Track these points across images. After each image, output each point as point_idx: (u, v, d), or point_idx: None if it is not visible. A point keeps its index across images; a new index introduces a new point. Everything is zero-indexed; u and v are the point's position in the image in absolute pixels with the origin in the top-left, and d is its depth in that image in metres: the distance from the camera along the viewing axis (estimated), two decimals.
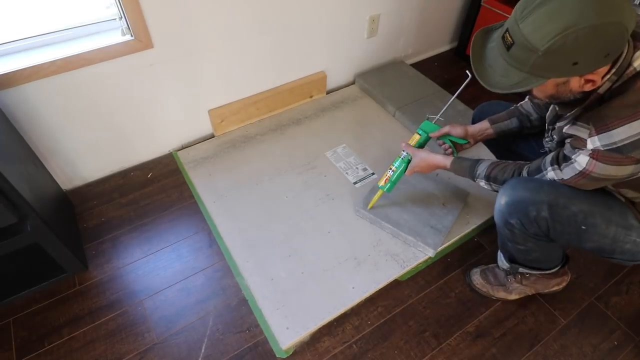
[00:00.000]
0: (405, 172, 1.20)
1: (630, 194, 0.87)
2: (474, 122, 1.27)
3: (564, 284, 1.22)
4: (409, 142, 1.20)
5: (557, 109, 0.91)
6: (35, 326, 1.16)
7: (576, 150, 0.82)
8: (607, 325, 1.18)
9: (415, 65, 2.09)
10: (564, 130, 0.86)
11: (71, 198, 1.47)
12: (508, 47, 0.74)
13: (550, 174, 0.90)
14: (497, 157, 1.35)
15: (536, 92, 0.82)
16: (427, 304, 1.22)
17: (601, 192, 0.89)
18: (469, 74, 0.87)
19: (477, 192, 1.40)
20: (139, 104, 1.44)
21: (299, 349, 1.12)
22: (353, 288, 1.19)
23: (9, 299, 1.18)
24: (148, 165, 1.61)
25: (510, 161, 1.01)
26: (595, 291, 1.26)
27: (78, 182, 1.53)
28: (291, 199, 1.43)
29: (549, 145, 1.00)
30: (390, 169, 1.22)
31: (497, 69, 0.78)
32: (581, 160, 0.81)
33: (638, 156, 0.74)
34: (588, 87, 0.75)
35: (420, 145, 1.20)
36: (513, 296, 1.21)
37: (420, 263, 1.26)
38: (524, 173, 0.96)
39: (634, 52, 0.74)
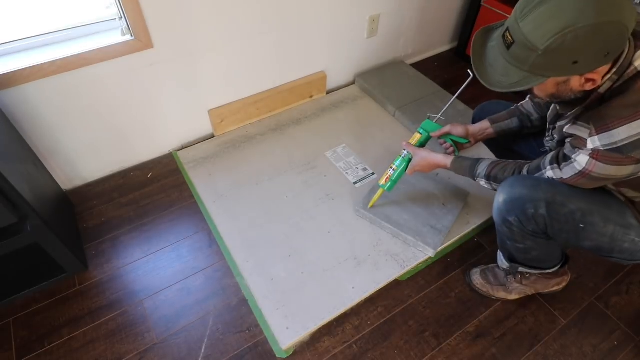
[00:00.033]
0: (406, 171, 1.20)
1: (630, 193, 0.87)
2: (474, 121, 1.27)
3: (564, 284, 1.22)
4: (410, 141, 1.20)
5: (558, 108, 0.92)
6: (35, 326, 1.16)
7: (576, 149, 0.82)
8: (607, 325, 1.18)
9: (415, 65, 2.09)
10: (564, 130, 0.86)
11: (71, 198, 1.47)
12: (508, 46, 0.74)
13: (549, 173, 0.90)
14: (497, 157, 1.35)
15: (537, 91, 0.82)
16: (427, 304, 1.22)
17: (600, 191, 0.89)
18: (470, 73, 0.87)
19: (477, 192, 1.40)
20: (139, 104, 1.44)
21: (299, 349, 1.12)
22: (353, 288, 1.19)
23: (9, 299, 1.18)
24: (148, 165, 1.61)
25: (511, 160, 1.01)
26: (595, 291, 1.26)
27: (78, 182, 1.53)
28: (291, 199, 1.43)
29: (549, 145, 1.00)
30: (391, 167, 1.22)
31: (497, 68, 0.78)
32: (581, 160, 0.81)
33: (638, 156, 0.74)
34: (588, 87, 0.75)
35: (421, 145, 1.20)
36: (513, 296, 1.21)
37: (420, 263, 1.26)
38: (524, 172, 0.96)
39: (635, 52, 0.74)
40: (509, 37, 0.73)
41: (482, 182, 1.04)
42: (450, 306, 1.22)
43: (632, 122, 0.72)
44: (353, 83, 1.97)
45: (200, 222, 1.41)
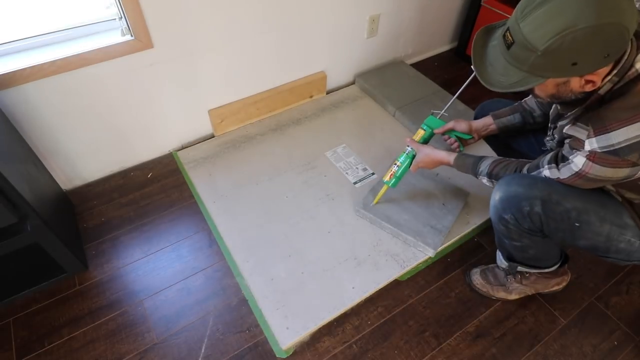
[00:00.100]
0: (410, 168, 1.21)
1: (628, 194, 0.87)
2: (476, 119, 1.27)
3: (564, 283, 1.22)
4: (414, 138, 1.20)
5: (558, 108, 0.92)
6: (35, 326, 1.16)
7: (574, 151, 0.83)
8: (607, 325, 1.18)
9: (415, 65, 2.09)
10: (564, 131, 0.86)
11: (71, 198, 1.47)
12: (508, 46, 0.74)
13: (546, 172, 0.90)
14: (497, 155, 1.35)
15: (537, 91, 0.82)
16: (427, 304, 1.22)
17: (597, 191, 0.89)
18: (474, 69, 0.88)
19: (477, 192, 1.40)
20: (139, 104, 1.44)
21: (299, 349, 1.12)
22: (353, 288, 1.19)
23: (9, 299, 1.18)
24: (148, 165, 1.61)
25: (513, 159, 1.01)
26: (595, 291, 1.26)
27: (78, 182, 1.53)
28: (291, 199, 1.43)
29: (550, 144, 1.00)
30: (395, 164, 1.23)
31: (497, 68, 0.78)
32: (578, 161, 0.81)
33: (634, 159, 0.74)
34: (588, 88, 0.75)
35: (425, 141, 1.20)
36: (513, 296, 1.21)
37: (420, 263, 1.26)
38: (524, 171, 0.96)
39: (637, 54, 0.74)
40: (509, 37, 0.73)
41: (484, 180, 1.05)
42: (450, 306, 1.22)
43: (630, 125, 0.72)
44: (353, 83, 1.97)
45: (200, 222, 1.41)
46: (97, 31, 1.28)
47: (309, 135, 1.68)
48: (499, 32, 0.79)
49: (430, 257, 1.27)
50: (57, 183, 1.42)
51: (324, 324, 1.14)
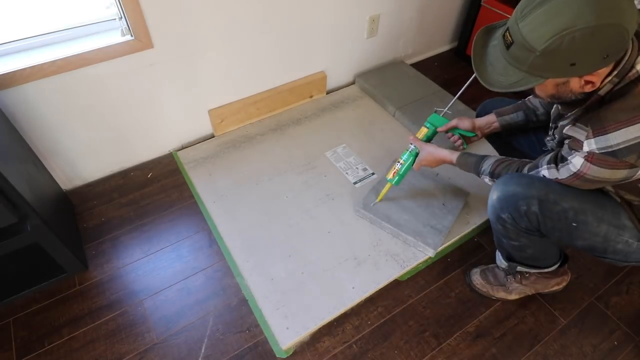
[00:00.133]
0: (413, 166, 1.21)
1: (628, 195, 0.87)
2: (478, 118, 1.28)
3: (564, 283, 1.22)
4: (417, 135, 1.21)
5: (559, 108, 0.92)
6: (35, 326, 1.16)
7: (572, 151, 0.83)
8: (607, 325, 1.18)
9: (415, 65, 2.09)
10: (563, 131, 0.86)
11: (71, 198, 1.47)
12: (508, 46, 0.74)
13: (544, 172, 0.90)
14: (499, 154, 1.35)
15: (538, 91, 0.83)
16: (427, 304, 1.22)
17: (595, 191, 0.89)
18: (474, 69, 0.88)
19: (477, 192, 1.40)
20: (139, 104, 1.44)
21: (299, 349, 1.12)
22: (353, 288, 1.19)
23: (9, 299, 1.18)
24: (148, 165, 1.61)
25: (516, 159, 1.01)
26: (595, 291, 1.26)
27: (78, 182, 1.53)
28: (291, 199, 1.43)
29: (550, 144, 1.00)
30: (399, 162, 1.23)
31: (497, 68, 0.78)
32: (576, 162, 0.82)
33: (632, 161, 0.74)
34: (588, 88, 0.75)
35: (428, 139, 1.20)
36: (513, 296, 1.21)
37: (420, 263, 1.26)
38: (525, 171, 0.96)
39: (638, 55, 0.74)
40: (509, 37, 0.73)
41: (486, 179, 1.05)
42: (450, 306, 1.22)
43: (628, 126, 0.72)
44: (353, 83, 1.97)
45: (200, 222, 1.41)
46: (97, 31, 1.28)
47: (309, 135, 1.68)
48: (500, 32, 0.79)
49: (430, 257, 1.27)
50: (57, 183, 1.42)
51: (324, 324, 1.14)
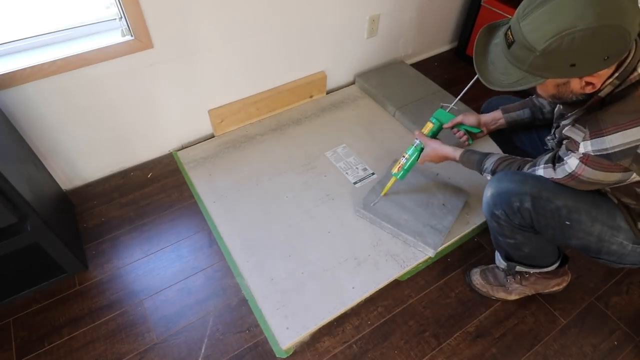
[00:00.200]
0: (418, 161, 1.22)
1: (625, 199, 0.87)
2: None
3: (564, 284, 1.21)
4: (422, 131, 1.21)
5: (561, 108, 0.92)
6: (35, 326, 1.16)
7: (569, 152, 0.84)
8: (607, 325, 1.18)
9: (415, 65, 2.09)
10: (563, 132, 0.87)
11: (71, 198, 1.47)
12: (509, 45, 0.74)
13: (540, 171, 0.91)
14: (503, 152, 1.35)
15: (539, 90, 0.83)
16: (427, 304, 1.22)
17: (591, 191, 0.89)
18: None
19: (477, 192, 1.40)
20: (139, 104, 1.44)
21: (299, 349, 1.12)
22: (353, 288, 1.19)
23: (9, 299, 1.18)
24: (148, 165, 1.61)
25: (519, 157, 1.02)
26: (595, 291, 1.26)
27: (78, 182, 1.53)
28: (291, 199, 1.43)
29: (550, 144, 1.00)
30: (404, 156, 1.24)
31: (498, 67, 0.78)
32: (572, 163, 0.82)
33: (626, 164, 0.74)
34: (588, 90, 0.75)
35: (434, 134, 1.21)
36: (513, 296, 1.21)
37: (420, 263, 1.26)
38: (525, 169, 0.97)
39: None
40: (510, 36, 0.73)
41: (489, 177, 1.05)
42: (450, 306, 1.22)
43: (626, 129, 0.72)
44: (353, 83, 1.97)
45: (200, 222, 1.41)
46: (97, 31, 1.28)
47: (309, 135, 1.68)
48: (502, 31, 0.79)
49: (430, 257, 1.27)
50: (57, 183, 1.42)
51: (324, 324, 1.14)
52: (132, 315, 1.18)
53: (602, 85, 0.75)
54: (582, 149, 0.78)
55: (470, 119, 1.18)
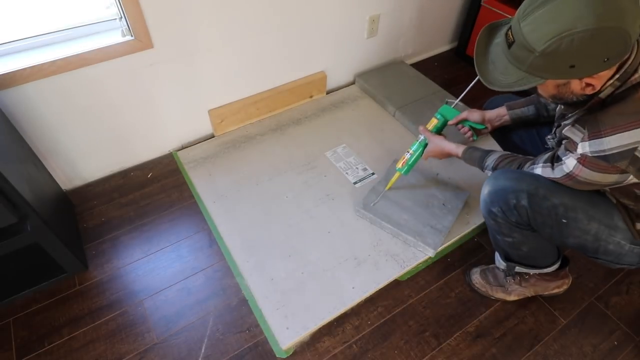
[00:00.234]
0: (422, 157, 1.23)
1: (624, 199, 0.87)
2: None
3: (565, 287, 1.21)
4: (427, 126, 1.22)
5: (562, 107, 0.92)
6: (35, 326, 1.16)
7: (567, 152, 0.84)
8: (607, 325, 1.18)
9: (415, 65, 2.09)
10: (563, 132, 0.87)
11: (71, 198, 1.47)
12: (509, 45, 0.74)
13: (538, 170, 0.91)
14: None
15: (540, 91, 0.83)
16: (427, 304, 1.22)
17: (590, 190, 0.89)
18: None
19: (477, 192, 1.40)
20: (139, 104, 1.44)
21: (299, 349, 1.12)
22: (353, 288, 1.19)
23: (9, 299, 1.18)
24: (148, 165, 1.61)
25: (520, 155, 1.02)
26: (595, 291, 1.26)
27: (78, 182, 1.53)
28: (291, 199, 1.43)
29: (551, 143, 1.00)
30: (408, 152, 1.25)
31: (498, 66, 0.78)
32: (569, 163, 0.82)
33: (623, 166, 0.74)
34: (588, 91, 0.75)
35: (438, 130, 1.21)
36: (512, 297, 1.21)
37: (420, 263, 1.26)
38: (525, 167, 0.97)
39: None
40: (511, 36, 0.73)
41: (489, 174, 1.05)
42: (450, 306, 1.22)
43: (624, 132, 0.72)
44: (353, 83, 1.97)
45: (200, 222, 1.41)
46: (97, 31, 1.28)
47: (309, 135, 1.68)
48: (503, 30, 0.79)
49: (430, 257, 1.27)
50: (57, 183, 1.42)
51: (324, 324, 1.14)
52: (132, 315, 1.18)
53: (602, 86, 0.75)
54: (580, 150, 0.79)
55: (474, 115, 1.19)
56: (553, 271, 1.14)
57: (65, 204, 1.39)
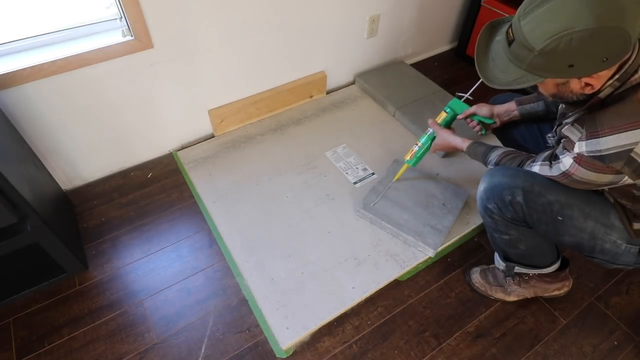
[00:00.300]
0: (429, 150, 1.26)
1: (621, 199, 0.87)
2: None
3: (565, 289, 1.21)
4: (436, 120, 1.24)
5: (563, 106, 0.92)
6: (35, 326, 1.16)
7: (565, 151, 0.84)
8: (607, 325, 1.18)
9: (415, 65, 2.09)
10: (562, 131, 0.87)
11: (71, 198, 1.47)
12: (509, 43, 0.74)
13: (536, 168, 0.91)
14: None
15: (540, 89, 0.83)
16: (427, 304, 1.22)
17: (585, 189, 0.90)
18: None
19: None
20: (139, 104, 1.44)
21: (299, 349, 1.12)
22: (353, 288, 1.19)
23: (9, 299, 1.18)
24: (148, 165, 1.61)
25: (524, 153, 1.02)
26: (595, 291, 1.26)
27: (78, 182, 1.53)
28: (291, 199, 1.43)
29: (551, 142, 1.00)
30: (416, 144, 1.28)
31: (498, 64, 0.79)
32: (566, 162, 0.83)
33: (618, 167, 0.74)
34: (588, 90, 0.75)
35: (447, 123, 1.23)
36: (511, 298, 1.21)
37: (420, 263, 1.26)
38: (526, 165, 0.97)
39: None
40: (511, 34, 0.73)
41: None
42: (450, 306, 1.22)
43: (621, 132, 0.72)
44: (353, 83, 1.97)
45: (200, 222, 1.41)
46: (97, 31, 1.28)
47: (309, 135, 1.68)
48: (504, 28, 0.79)
49: (430, 257, 1.27)
50: (57, 183, 1.42)
51: (324, 324, 1.14)
52: (132, 315, 1.18)
53: (602, 86, 0.75)
54: (576, 149, 0.79)
55: (483, 109, 1.20)
56: (553, 272, 1.14)
57: (65, 204, 1.39)
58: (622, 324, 1.19)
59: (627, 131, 0.71)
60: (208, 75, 1.51)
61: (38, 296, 1.22)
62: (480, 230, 1.38)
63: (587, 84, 0.74)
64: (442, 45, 2.26)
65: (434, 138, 1.24)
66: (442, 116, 1.23)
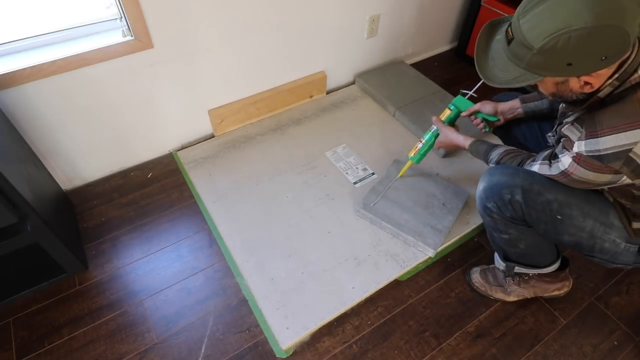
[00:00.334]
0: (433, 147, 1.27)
1: (621, 199, 0.87)
2: None
3: (565, 289, 1.21)
4: (440, 117, 1.24)
5: (563, 106, 0.92)
6: (35, 326, 1.16)
7: (564, 150, 0.84)
8: (607, 325, 1.18)
9: (415, 65, 2.09)
10: (562, 130, 0.87)
11: (71, 198, 1.47)
12: (509, 42, 0.75)
13: (535, 167, 0.91)
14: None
15: (540, 88, 0.83)
16: (427, 304, 1.22)
17: (584, 188, 0.90)
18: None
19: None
20: (139, 104, 1.44)
21: (299, 349, 1.12)
22: (353, 288, 1.19)
23: (9, 299, 1.18)
24: (148, 165, 1.61)
25: (525, 152, 1.02)
26: (595, 291, 1.25)
27: (78, 182, 1.53)
28: (291, 199, 1.43)
29: (551, 141, 1.00)
30: (420, 141, 1.29)
31: (498, 63, 0.79)
32: (565, 161, 0.83)
33: (617, 167, 0.74)
34: (587, 89, 0.75)
35: (451, 121, 1.24)
36: (511, 298, 1.21)
37: (420, 263, 1.26)
38: (527, 164, 0.97)
39: None
40: (510, 33, 0.74)
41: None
42: (450, 306, 1.22)
43: (620, 132, 0.72)
44: (353, 83, 1.97)
45: (200, 222, 1.41)
46: (97, 31, 1.28)
47: (309, 135, 1.68)
48: (504, 27, 0.79)
49: (430, 257, 1.27)
50: (57, 183, 1.42)
51: (324, 324, 1.14)
52: (132, 315, 1.18)
53: (601, 85, 0.75)
54: (575, 149, 0.79)
55: (487, 107, 1.20)
56: (553, 272, 1.14)
57: (65, 204, 1.39)
58: (622, 324, 1.19)
59: (626, 131, 0.71)
60: (208, 75, 1.51)
61: (38, 296, 1.22)
62: (480, 230, 1.38)
63: (586, 83, 0.74)
64: (442, 45, 2.26)
65: (437, 135, 1.25)
66: (446, 113, 1.24)
